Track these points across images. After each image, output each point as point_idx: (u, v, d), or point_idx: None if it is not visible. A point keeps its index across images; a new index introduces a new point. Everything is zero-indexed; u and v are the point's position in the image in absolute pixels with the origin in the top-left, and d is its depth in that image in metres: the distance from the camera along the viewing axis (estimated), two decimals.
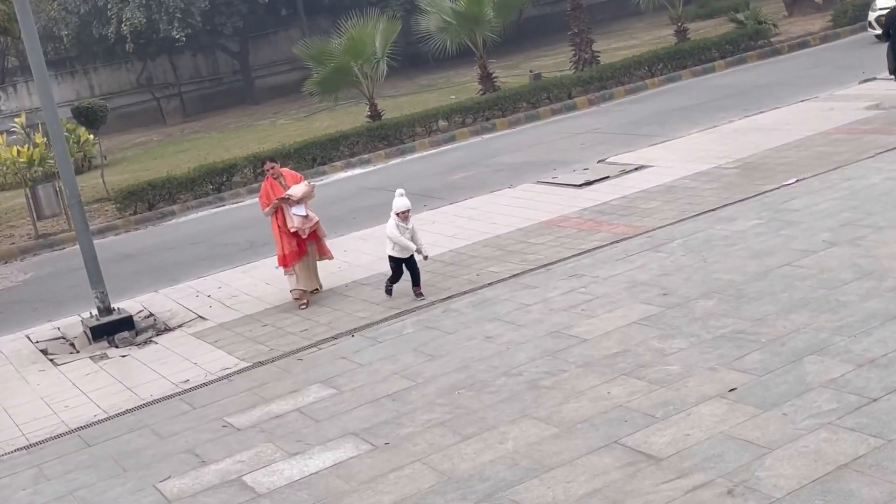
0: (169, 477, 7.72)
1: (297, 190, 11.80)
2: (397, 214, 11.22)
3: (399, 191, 11.48)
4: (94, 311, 12.53)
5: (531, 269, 11.76)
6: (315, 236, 12.15)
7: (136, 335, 12.23)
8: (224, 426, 8.59)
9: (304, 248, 12.01)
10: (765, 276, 9.66)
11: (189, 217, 21.22)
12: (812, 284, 9.15)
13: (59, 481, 8.07)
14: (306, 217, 11.81)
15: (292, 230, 11.71)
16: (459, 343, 9.65)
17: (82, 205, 13.18)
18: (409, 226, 11.36)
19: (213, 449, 8.13)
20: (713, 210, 12.58)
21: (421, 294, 11.40)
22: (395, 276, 11.56)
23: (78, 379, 10.93)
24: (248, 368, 10.16)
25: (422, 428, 7.73)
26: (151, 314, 13.12)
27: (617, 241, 12.19)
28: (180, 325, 12.48)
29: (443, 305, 11.08)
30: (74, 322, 13.17)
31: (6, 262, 19.56)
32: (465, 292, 11.40)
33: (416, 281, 11.49)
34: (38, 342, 12.76)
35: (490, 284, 11.50)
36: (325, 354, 10.18)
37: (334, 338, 10.69)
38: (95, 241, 13.57)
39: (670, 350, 8.32)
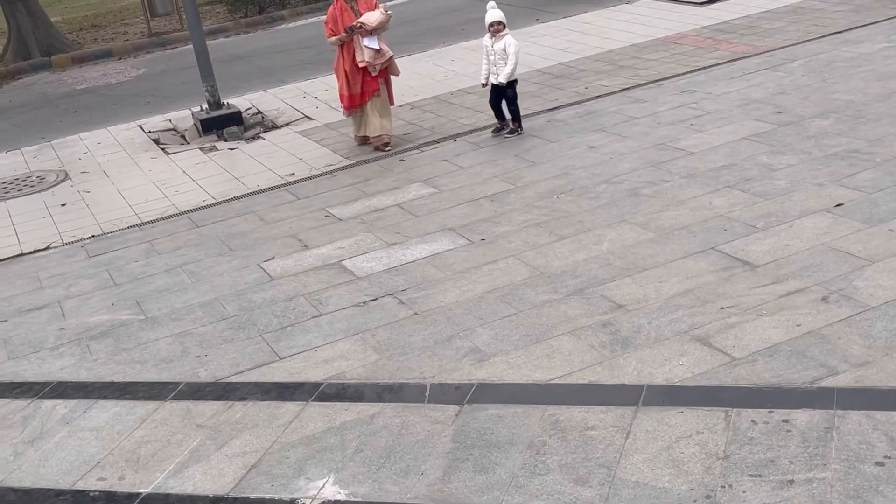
0: (273, 257, 8.07)
1: (371, 17, 10.12)
2: (488, 29, 10.09)
3: (490, 2, 10.24)
4: (205, 106, 12.83)
5: (642, 84, 11.60)
6: (385, 75, 10.63)
7: (245, 130, 12.55)
8: (326, 216, 8.87)
9: (375, 86, 10.49)
10: (887, 98, 9.33)
11: (298, 23, 21.30)
12: None
13: (169, 256, 8.53)
14: (379, 51, 10.26)
15: (361, 65, 10.22)
16: (562, 151, 9.65)
17: (195, 3, 13.30)
18: (497, 44, 10.03)
19: (316, 235, 8.43)
20: (840, 32, 12.07)
21: (514, 130, 10.43)
22: (496, 110, 10.49)
23: (188, 167, 11.35)
24: (351, 166, 10.39)
25: (518, 227, 7.85)
26: (259, 112, 13.40)
27: (735, 60, 11.88)
28: (287, 124, 12.74)
29: (548, 115, 11.05)
30: (185, 115, 13.56)
31: (120, 59, 20.08)
32: (571, 104, 11.33)
33: (513, 114, 10.44)
34: (150, 132, 13.23)
35: (598, 97, 11.40)
36: (427, 157, 10.31)
37: (436, 142, 10.79)
38: (206, 42, 13.76)
39: (779, 165, 8.18)
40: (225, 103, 12.96)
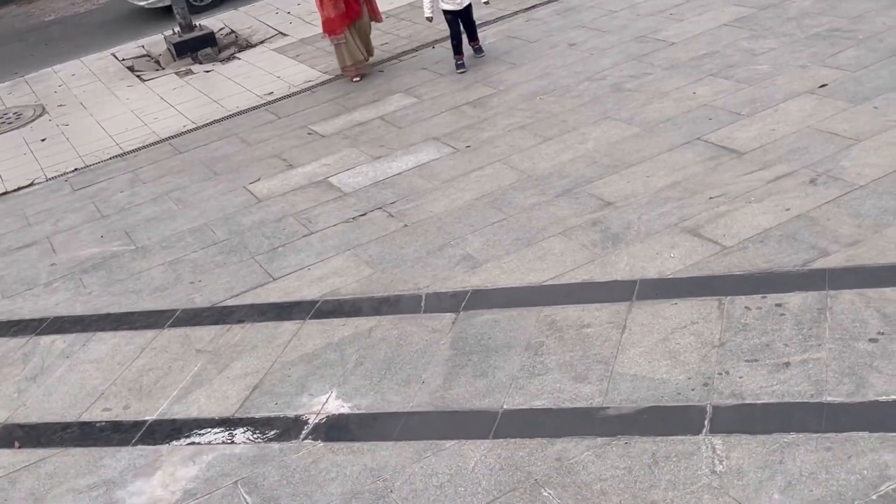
0: (258, 179, 8.04)
1: None
2: None
3: None
4: (177, 29, 12.62)
5: None
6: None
7: (219, 51, 12.38)
8: (309, 133, 8.81)
9: (358, 8, 9.70)
10: None
11: None
12: None
13: (154, 184, 8.48)
14: None
15: None
16: (542, 51, 9.54)
17: None
18: None
19: (300, 154, 8.38)
20: None
21: (480, 49, 9.73)
22: (454, 35, 9.42)
23: (165, 93, 11.21)
24: (329, 80, 10.28)
25: (502, 131, 7.81)
26: (233, 31, 13.20)
27: None
28: (262, 42, 12.57)
29: (525, 14, 10.90)
30: (158, 40, 13.36)
31: None
32: (548, 1, 11.15)
33: (471, 35, 9.64)
34: (124, 60, 13.05)
35: None
36: (406, 66, 10.20)
37: (415, 49, 10.66)
38: None
39: (760, 50, 8.11)
40: (197, 25, 12.74)
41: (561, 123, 7.67)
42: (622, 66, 8.55)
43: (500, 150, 7.44)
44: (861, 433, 3.92)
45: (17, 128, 11.08)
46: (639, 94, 7.85)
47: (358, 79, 9.92)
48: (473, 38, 9.62)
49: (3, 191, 9.19)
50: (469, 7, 9.31)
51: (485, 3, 9.75)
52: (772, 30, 8.50)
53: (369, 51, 10.15)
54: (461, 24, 9.38)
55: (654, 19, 9.59)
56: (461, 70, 9.42)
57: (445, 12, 9.31)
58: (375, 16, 10.06)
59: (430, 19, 9.54)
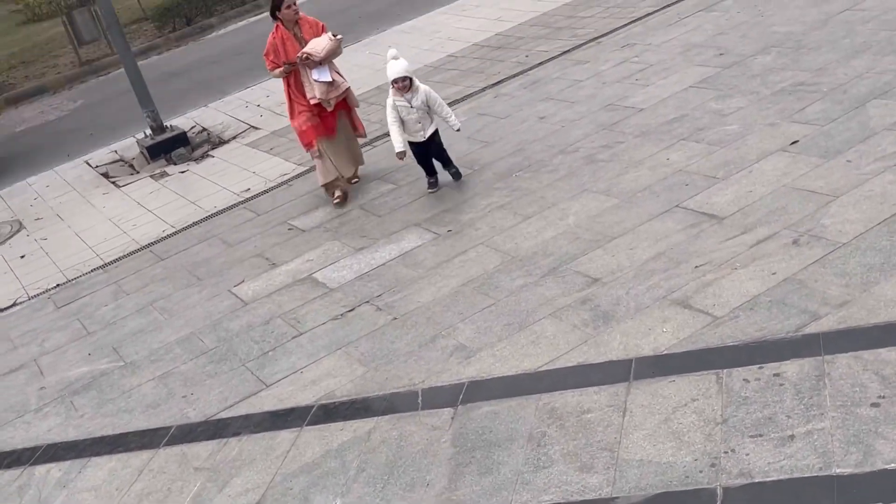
0: (243, 281, 8.01)
1: (317, 45, 8.42)
2: (392, 85, 8.14)
3: (391, 51, 8.27)
4: (148, 132, 12.67)
5: (581, 44, 11.60)
6: (344, 106, 9.05)
7: (192, 150, 12.43)
8: (290, 229, 8.81)
9: (332, 123, 8.91)
10: (824, 24, 9.39)
11: (228, 28, 21.14)
12: (874, 27, 8.89)
13: (138, 295, 8.44)
14: (331, 84, 8.61)
15: (313, 101, 8.66)
16: (513, 126, 9.62)
17: (121, 26, 13.12)
18: (416, 100, 8.17)
19: (282, 251, 8.38)
20: None
21: (458, 174, 8.60)
22: (426, 167, 8.61)
23: (142, 198, 11.22)
24: (305, 172, 10.29)
25: (482, 213, 7.83)
26: (204, 129, 13.27)
27: (669, 5, 11.87)
28: (234, 137, 12.63)
29: (493, 91, 11.02)
30: (130, 144, 13.38)
31: (55, 92, 19.78)
32: (514, 75, 11.30)
33: (444, 163, 8.59)
34: (97, 167, 13.07)
35: (540, 64, 11.39)
36: (381, 151, 10.23)
37: (386, 135, 10.70)
38: (139, 62, 13.61)
39: (728, 110, 8.20)
40: (168, 126, 12.80)
41: (540, 200, 7.71)
42: (593, 137, 8.63)
43: (482, 231, 7.45)
44: None
45: None
46: (613, 164, 7.90)
47: (339, 201, 8.96)
48: (447, 163, 8.54)
49: (62, 280, 9.24)
50: (434, 135, 8.36)
51: (456, 130, 8.40)
52: (737, 88, 8.61)
53: (357, 161, 9.43)
54: (427, 152, 8.49)
55: (620, 86, 9.71)
56: (433, 189, 8.51)
57: (411, 144, 8.39)
58: (357, 130, 9.32)
59: (401, 156, 8.31)
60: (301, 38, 8.59)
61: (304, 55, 8.34)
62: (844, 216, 6.01)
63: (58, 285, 9.29)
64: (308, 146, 8.93)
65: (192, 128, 13.35)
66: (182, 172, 11.77)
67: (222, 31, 21.03)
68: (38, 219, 11.61)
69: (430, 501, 4.69)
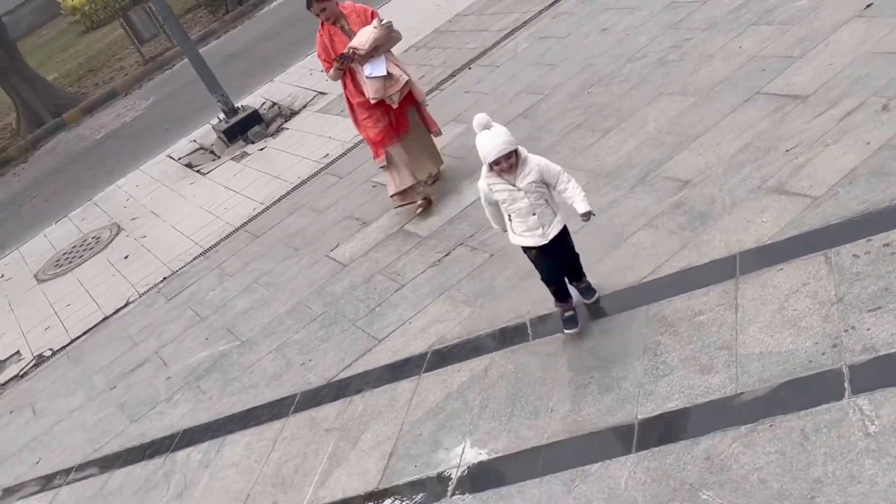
0: (338, 245, 8.12)
1: (362, 37, 7.09)
2: (489, 167, 5.12)
3: (479, 118, 4.96)
4: (221, 116, 12.85)
5: None
6: (413, 101, 7.61)
7: (267, 126, 12.57)
8: (374, 186, 8.86)
9: (403, 121, 7.59)
10: None
11: (279, 1, 21.10)
12: None
13: (241, 275, 8.64)
14: (388, 77, 7.23)
15: (373, 101, 7.34)
16: (577, 43, 9.47)
17: (176, 18, 13.28)
18: (526, 179, 5.08)
19: (370, 209, 8.45)
20: None
21: (590, 289, 5.61)
22: (555, 287, 5.50)
23: (228, 181, 11.43)
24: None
25: (560, 136, 7.75)
26: (275, 103, 13.39)
27: None
28: (304, 106, 12.72)
29: (550, 12, 10.83)
30: (207, 131, 13.60)
31: (126, 94, 20.18)
32: None
33: (573, 273, 5.61)
34: (180, 158, 13.32)
35: None
36: (449, 93, 10.21)
37: (452, 76, 10.68)
38: (200, 50, 13.74)
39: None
40: (239, 107, 12.98)
41: (616, 113, 7.60)
42: (661, 39, 8.43)
43: (563, 155, 7.38)
44: None
45: (99, 251, 11.39)
46: (685, 63, 7.72)
47: (422, 209, 7.68)
48: (576, 276, 5.62)
49: (103, 317, 9.43)
50: (562, 236, 5.30)
51: (584, 218, 5.12)
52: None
53: (436, 162, 8.03)
54: (555, 261, 5.42)
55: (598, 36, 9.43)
56: (572, 329, 5.38)
57: (526, 249, 5.42)
58: (430, 128, 7.82)
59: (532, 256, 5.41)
60: (349, 30, 7.34)
61: (350, 50, 7.10)
62: None
63: (164, 279, 9.56)
64: (377, 155, 7.62)
65: (263, 104, 13.48)
66: (261, 150, 11.93)
67: (273, 5, 21.10)
68: (134, 218, 11.92)
69: (557, 426, 4.74)
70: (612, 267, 5.71)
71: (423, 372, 5.77)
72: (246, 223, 9.79)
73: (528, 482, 4.51)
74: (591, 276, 5.60)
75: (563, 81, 8.74)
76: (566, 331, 5.38)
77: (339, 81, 7.56)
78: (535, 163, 5.10)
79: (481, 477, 4.74)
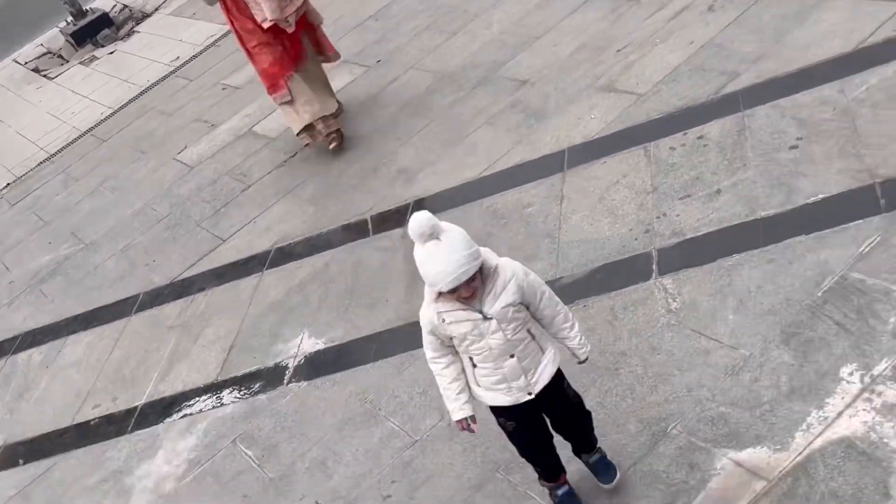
0: (185, 147, 8.04)
1: None
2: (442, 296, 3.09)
3: (420, 222, 2.99)
4: (70, 18, 12.40)
5: None
6: (306, 25, 6.45)
7: (118, 30, 12.21)
8: (223, 88, 8.78)
9: (299, 47, 6.44)
10: None
11: None
12: None
13: (87, 179, 8.49)
14: None
15: (265, 25, 6.09)
16: None
17: None
18: (498, 302, 3.06)
19: (219, 111, 8.39)
20: None
21: (605, 461, 3.59)
22: (542, 460, 3.55)
23: (75, 85, 11.11)
24: (230, 32, 10.13)
25: (409, 37, 7.80)
26: (126, 6, 12.99)
27: None
28: (156, 9, 12.38)
29: None
30: (55, 35, 13.11)
31: None
32: None
33: (580, 443, 3.60)
34: (26, 63, 12.85)
35: None
36: None
37: None
38: None
39: None
40: (88, 9, 12.54)
41: (463, 14, 7.68)
42: None
43: (411, 56, 7.45)
44: (798, 238, 4.09)
45: None
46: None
47: (335, 144, 6.60)
48: (584, 443, 3.63)
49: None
50: (555, 383, 3.35)
51: (582, 360, 3.43)
52: None
53: (333, 96, 6.84)
54: (542, 425, 3.48)
55: None
56: (562, 491, 3.60)
57: (495, 410, 3.41)
58: (326, 51, 6.77)
59: (466, 425, 3.32)
60: None
61: None
62: None
63: (8, 184, 9.31)
64: (275, 89, 6.41)
65: (114, 7, 13.05)
66: (111, 53, 11.61)
67: None
68: None
69: (390, 315, 4.91)
70: (451, 165, 5.85)
71: (266, 269, 5.85)
72: (93, 127, 9.57)
73: (361, 368, 4.68)
74: (431, 174, 5.73)
75: None
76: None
77: (217, 6, 6.39)
78: (509, 276, 3.12)
79: (317, 365, 4.88)
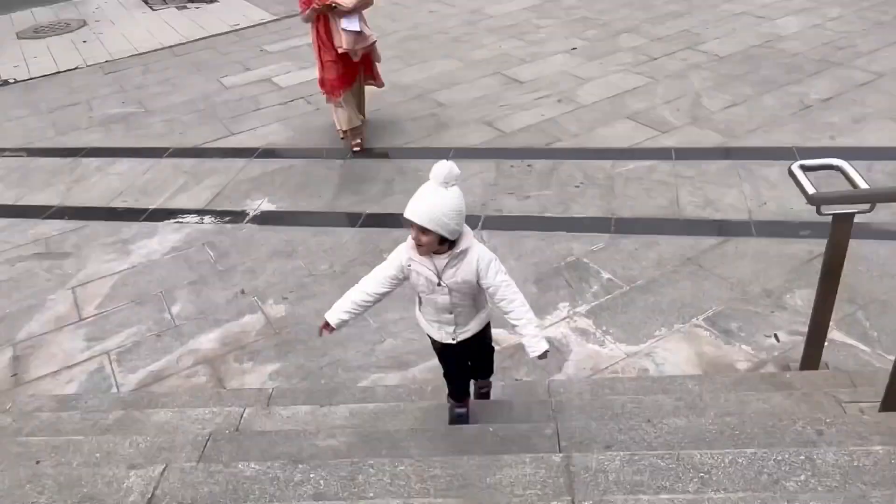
0: (226, 75, 7.80)
1: None
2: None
3: (440, 168, 2.22)
4: None
5: None
6: (367, 60, 5.69)
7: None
8: (261, 50, 8.54)
9: (356, 72, 5.65)
10: None
11: None
12: None
13: (158, 73, 8.13)
14: (360, 34, 5.34)
15: (340, 51, 5.36)
16: (412, 13, 9.40)
17: None
18: (456, 275, 2.36)
19: (254, 62, 8.15)
20: None
21: (488, 393, 3.04)
22: (455, 384, 2.79)
23: (168, 18, 10.55)
24: (278, 19, 9.87)
25: (386, 59, 7.65)
26: None
27: None
28: None
29: None
30: None
31: None
32: None
33: (482, 373, 2.95)
34: None
35: None
36: None
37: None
38: None
39: (542, 25, 8.26)
40: None
41: (420, 56, 7.69)
42: (460, 27, 8.56)
43: (384, 68, 7.40)
44: (562, 232, 4.37)
45: (67, 33, 10.25)
46: (467, 44, 7.92)
47: (358, 147, 5.77)
48: (483, 374, 2.98)
49: (56, 70, 8.60)
50: (479, 335, 2.63)
51: (536, 356, 2.40)
52: (550, 14, 8.65)
53: (362, 112, 5.97)
54: (462, 360, 2.76)
55: (479, 3, 9.55)
56: (459, 422, 2.84)
57: (429, 336, 2.66)
58: (376, 80, 5.92)
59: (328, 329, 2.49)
60: None
61: (333, 3, 5.15)
62: (590, 91, 6.31)
63: (106, 61, 8.79)
64: (333, 96, 5.63)
65: None
66: (196, 8, 11.04)
67: None
68: (97, 21, 10.77)
69: (321, 204, 4.99)
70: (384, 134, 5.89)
71: (253, 157, 5.79)
72: (171, 46, 9.09)
73: (293, 227, 4.76)
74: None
75: (397, 31, 8.64)
76: (451, 424, 2.88)
77: (310, 25, 5.48)
78: (475, 259, 2.39)
79: (267, 219, 4.92)
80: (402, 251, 2.40)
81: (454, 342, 2.57)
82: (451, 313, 2.49)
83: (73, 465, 2.66)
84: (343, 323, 2.45)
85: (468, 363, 2.77)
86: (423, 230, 2.22)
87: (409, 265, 2.39)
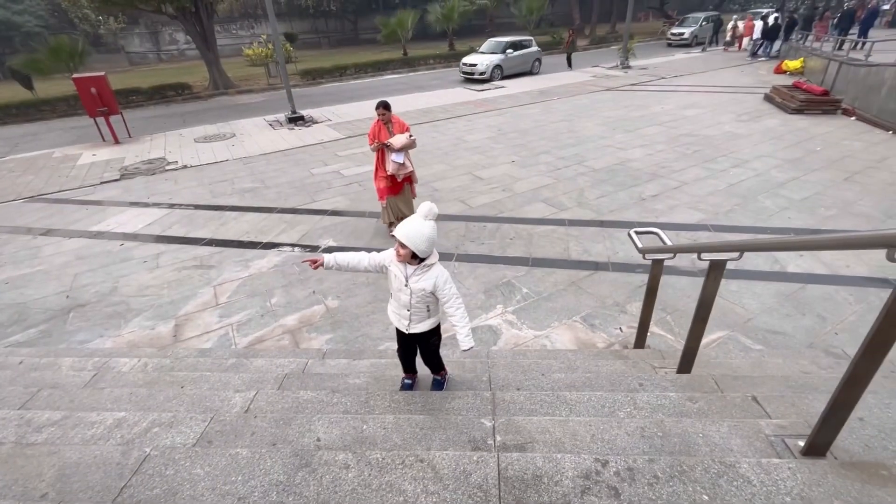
0: (314, 168, 7.67)
1: (398, 140, 5.02)
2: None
3: (427, 206, 2.24)
4: (289, 113, 12.02)
5: (447, 118, 11.18)
6: (408, 180, 5.26)
7: (306, 123, 11.86)
8: (335, 155, 8.46)
9: (400, 188, 5.21)
10: (543, 128, 9.47)
11: (349, 83, 19.02)
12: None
13: (274, 165, 7.95)
14: (402, 164, 5.09)
15: (387, 172, 5.10)
16: (422, 140, 9.01)
17: (285, 68, 12.26)
18: (419, 283, 2.27)
19: (330, 161, 8.03)
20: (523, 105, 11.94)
21: (441, 382, 2.59)
22: (404, 362, 2.57)
23: (282, 135, 10.65)
24: (345, 139, 9.87)
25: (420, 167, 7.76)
26: (312, 117, 12.60)
27: (488, 111, 11.69)
28: (322, 122, 12.05)
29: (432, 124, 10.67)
30: (281, 116, 12.60)
31: (257, 92, 18.13)
32: (427, 122, 10.90)
33: (432, 367, 2.59)
34: (266, 120, 12.31)
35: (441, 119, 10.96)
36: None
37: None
38: (293, 89, 12.62)
39: (496, 147, 8.19)
40: (297, 112, 12.16)
41: (425, 162, 7.55)
42: (448, 146, 8.42)
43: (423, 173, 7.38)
44: (500, 265, 4.45)
45: (222, 140, 10.39)
46: (452, 156, 7.82)
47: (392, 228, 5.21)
48: (433, 369, 2.65)
49: (215, 160, 8.60)
50: (426, 335, 2.44)
51: (465, 349, 2.27)
52: (500, 141, 8.58)
53: (411, 212, 5.26)
54: (410, 348, 2.55)
55: (460, 134, 9.55)
56: (405, 390, 2.62)
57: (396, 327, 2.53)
58: (413, 193, 5.35)
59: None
60: (391, 130, 5.06)
61: (388, 143, 4.93)
62: (524, 188, 6.25)
63: (247, 156, 8.78)
64: (380, 199, 5.17)
65: (307, 114, 12.63)
66: (299, 129, 11.26)
67: (340, 84, 18.53)
68: (241, 134, 10.88)
69: (362, 244, 4.96)
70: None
71: (326, 215, 5.72)
72: (283, 150, 9.14)
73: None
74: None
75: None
76: (400, 389, 2.64)
77: (375, 153, 5.10)
78: (435, 275, 2.32)
79: (331, 250, 4.75)
80: (388, 254, 2.39)
81: (406, 332, 2.45)
82: (408, 310, 2.38)
83: (203, 389, 2.71)
84: (329, 268, 2.36)
85: (415, 350, 2.57)
86: (403, 245, 2.26)
87: (389, 266, 2.37)
